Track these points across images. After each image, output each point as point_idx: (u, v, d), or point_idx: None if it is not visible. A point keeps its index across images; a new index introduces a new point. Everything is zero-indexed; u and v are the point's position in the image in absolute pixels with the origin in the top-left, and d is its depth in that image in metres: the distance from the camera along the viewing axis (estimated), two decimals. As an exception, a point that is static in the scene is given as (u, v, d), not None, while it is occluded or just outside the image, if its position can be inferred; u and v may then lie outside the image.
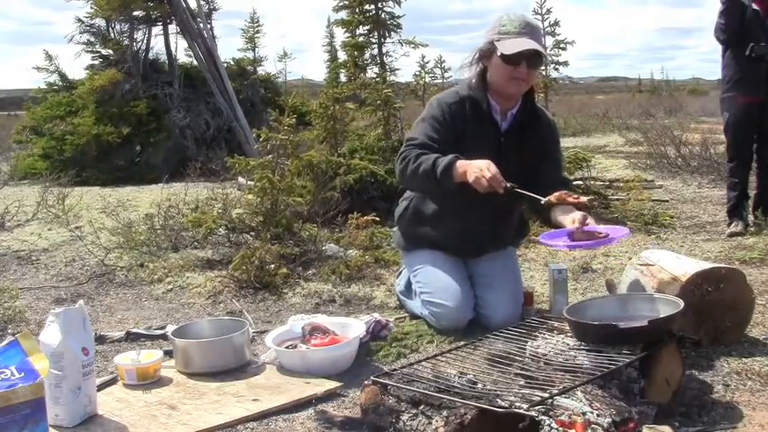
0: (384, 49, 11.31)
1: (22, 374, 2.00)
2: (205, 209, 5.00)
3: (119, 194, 7.92)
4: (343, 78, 15.63)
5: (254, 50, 24.29)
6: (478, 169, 2.67)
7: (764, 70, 4.53)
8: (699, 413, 2.15)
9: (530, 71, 2.88)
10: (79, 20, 11.68)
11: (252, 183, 4.61)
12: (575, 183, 5.73)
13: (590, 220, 2.62)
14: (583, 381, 1.94)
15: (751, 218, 4.85)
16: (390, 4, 10.77)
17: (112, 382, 2.54)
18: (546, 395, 1.84)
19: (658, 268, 2.80)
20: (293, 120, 4.58)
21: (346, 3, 11.01)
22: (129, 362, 2.53)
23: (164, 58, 12.01)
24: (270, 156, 4.44)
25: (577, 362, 2.12)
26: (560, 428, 1.71)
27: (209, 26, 12.20)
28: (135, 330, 3.12)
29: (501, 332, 2.44)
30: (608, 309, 2.38)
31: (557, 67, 15.55)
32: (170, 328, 2.93)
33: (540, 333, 2.40)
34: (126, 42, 11.66)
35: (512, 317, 2.91)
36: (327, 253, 4.29)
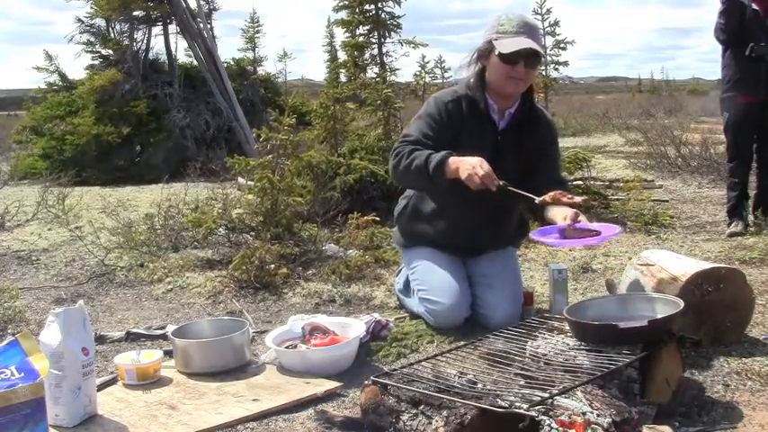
0: (384, 49, 11.31)
1: (22, 374, 2.00)
2: (205, 209, 5.00)
3: (119, 194, 7.92)
4: (343, 78, 15.63)
5: (254, 50, 24.33)
6: (471, 166, 2.68)
7: (764, 70, 4.53)
8: (699, 413, 2.14)
9: (528, 70, 2.88)
10: (79, 20, 11.70)
11: (252, 183, 4.61)
12: (574, 183, 5.73)
13: (582, 218, 2.64)
14: (583, 381, 1.94)
15: (751, 218, 4.85)
16: (390, 4, 10.77)
17: (112, 382, 2.54)
18: (546, 395, 1.84)
19: (658, 268, 2.80)
20: (293, 120, 4.58)
21: (346, 3, 11.01)
22: (129, 362, 2.53)
23: (164, 58, 12.03)
24: (270, 156, 4.44)
25: (577, 362, 2.12)
26: (560, 428, 1.71)
27: (209, 26, 12.21)
28: (135, 330, 3.12)
29: (501, 332, 2.44)
30: (608, 309, 2.38)
31: (557, 67, 15.58)
32: (170, 328, 2.93)
33: (540, 333, 2.40)
34: (126, 42, 11.66)
35: (511, 317, 2.91)
36: (327, 253, 4.29)
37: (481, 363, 2.25)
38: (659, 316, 2.22)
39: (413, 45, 11.02)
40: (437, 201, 3.07)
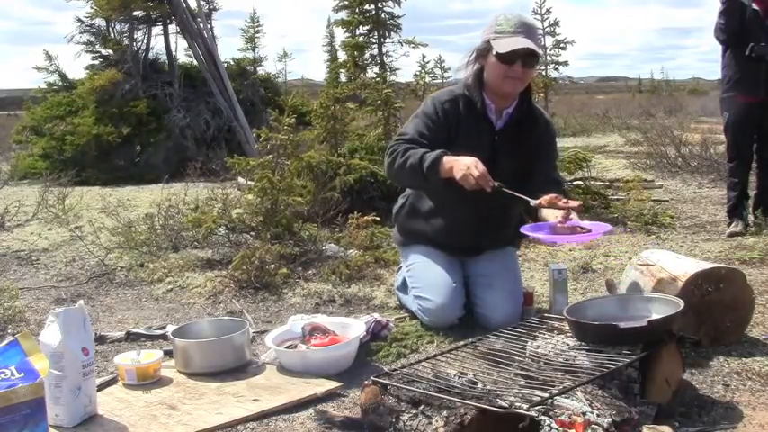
0: (384, 49, 11.32)
1: (22, 374, 2.00)
2: (205, 209, 5.00)
3: (119, 194, 7.92)
4: (343, 78, 15.64)
5: (254, 50, 24.34)
6: (465, 167, 2.68)
7: (764, 70, 4.53)
8: (699, 413, 2.15)
9: (525, 70, 2.88)
10: (79, 20, 11.71)
11: (252, 183, 4.61)
12: (575, 183, 5.73)
13: (573, 215, 2.65)
14: (583, 381, 1.94)
15: (751, 218, 4.85)
16: (390, 4, 10.79)
17: (112, 382, 2.54)
18: (546, 395, 1.84)
19: (658, 268, 2.80)
20: (293, 120, 4.58)
21: (346, 3, 11.02)
22: (129, 362, 2.53)
23: (164, 58, 12.03)
24: (270, 156, 4.44)
25: (577, 362, 2.12)
26: (560, 428, 1.71)
27: (209, 26, 12.21)
28: (135, 330, 3.12)
29: (501, 332, 2.44)
30: (608, 309, 2.38)
31: (556, 67, 15.59)
32: (170, 328, 2.93)
33: (540, 333, 2.40)
34: (126, 42, 11.66)
35: (511, 317, 2.91)
36: (327, 253, 4.29)
37: (481, 363, 2.25)
38: (659, 316, 2.22)
39: (413, 45, 11.03)
40: (434, 199, 3.08)
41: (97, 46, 11.89)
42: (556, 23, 16.47)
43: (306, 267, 4.08)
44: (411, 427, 1.91)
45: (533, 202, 2.70)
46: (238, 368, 2.60)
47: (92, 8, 11.58)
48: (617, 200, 5.86)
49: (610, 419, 1.79)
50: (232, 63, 13.42)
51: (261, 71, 16.54)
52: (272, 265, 3.88)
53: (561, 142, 11.28)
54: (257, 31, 24.94)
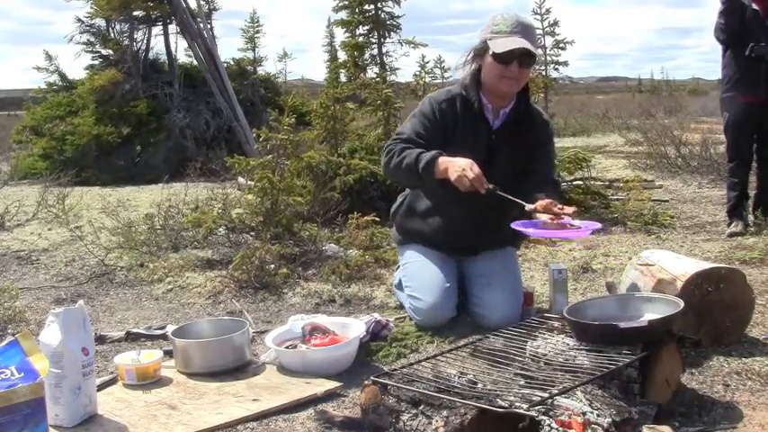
0: (384, 49, 11.32)
1: (22, 374, 2.00)
2: (205, 209, 5.00)
3: (119, 194, 7.92)
4: (343, 78, 15.64)
5: (254, 50, 24.33)
6: (461, 168, 2.69)
7: (764, 70, 4.53)
8: (699, 413, 2.15)
9: (521, 70, 2.89)
10: (79, 20, 11.70)
11: (252, 183, 4.61)
12: (574, 183, 5.73)
13: (559, 205, 2.68)
14: (583, 381, 1.94)
15: (751, 218, 4.85)
16: (390, 4, 10.79)
17: (112, 382, 2.54)
18: (546, 395, 1.84)
19: (658, 268, 2.80)
20: (293, 120, 4.58)
21: (346, 3, 11.02)
22: (129, 362, 2.53)
23: (164, 58, 12.03)
24: (270, 156, 4.44)
25: (577, 362, 2.12)
26: (560, 428, 1.71)
27: (209, 26, 12.21)
28: (135, 330, 3.12)
29: (501, 332, 2.45)
30: (608, 309, 2.38)
31: (556, 67, 15.58)
32: (170, 328, 2.93)
33: (540, 333, 2.40)
34: (126, 42, 11.66)
35: (510, 317, 2.91)
36: (327, 253, 4.29)
37: (481, 363, 2.25)
38: (659, 316, 2.22)
39: (412, 45, 11.03)
40: (432, 199, 3.08)
41: (97, 46, 11.90)
42: (555, 23, 16.46)
43: (306, 267, 4.08)
44: (411, 427, 1.91)
45: (528, 207, 2.71)
46: (238, 368, 2.60)
47: (92, 8, 11.58)
48: (617, 200, 5.86)
49: (610, 419, 1.79)
50: (232, 63, 13.42)
51: (261, 71, 16.53)
52: (272, 265, 3.88)
53: (561, 142, 11.31)
54: (257, 31, 24.95)
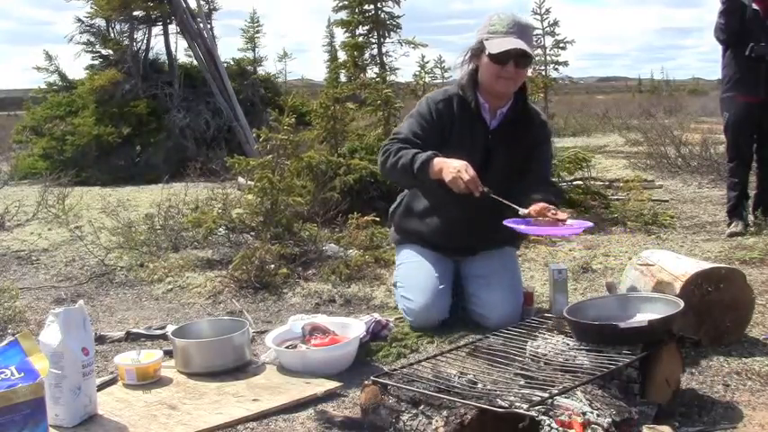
0: (384, 49, 11.32)
1: (22, 374, 2.00)
2: (205, 209, 5.00)
3: (119, 194, 7.92)
4: (343, 78, 15.64)
5: (254, 50, 24.31)
6: (455, 170, 2.70)
7: (764, 70, 4.53)
8: (699, 413, 2.15)
9: (518, 70, 2.89)
10: (79, 20, 11.70)
11: (252, 183, 4.61)
12: (575, 183, 5.73)
13: (554, 210, 2.69)
14: (583, 381, 1.94)
15: (751, 218, 4.85)
16: (390, 4, 10.79)
17: (112, 382, 2.54)
18: (546, 395, 1.84)
19: (658, 268, 2.80)
20: (293, 120, 4.58)
21: (346, 3, 11.02)
22: (129, 362, 2.53)
23: (164, 58, 12.03)
24: (270, 156, 4.44)
25: (577, 362, 2.12)
26: (560, 428, 1.71)
27: (209, 26, 12.21)
28: (135, 330, 3.12)
29: (501, 332, 2.45)
30: (608, 309, 2.38)
31: (556, 67, 15.57)
32: (170, 328, 2.93)
33: (540, 333, 2.40)
34: (126, 42, 11.66)
35: (510, 316, 2.90)
36: (327, 253, 4.29)
37: (481, 363, 2.25)
38: (659, 316, 2.22)
39: (412, 45, 11.03)
40: (430, 199, 3.09)
41: (97, 46, 11.90)
42: (555, 23, 16.45)
43: (306, 267, 4.08)
44: (411, 427, 1.91)
45: (522, 211, 2.72)
46: (238, 368, 2.60)
47: (92, 8, 11.58)
48: (617, 200, 5.86)
49: (610, 419, 1.79)
50: (232, 63, 13.42)
51: (261, 71, 16.52)
52: (272, 265, 3.88)
53: (561, 142, 11.32)
54: (257, 31, 24.93)
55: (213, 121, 11.12)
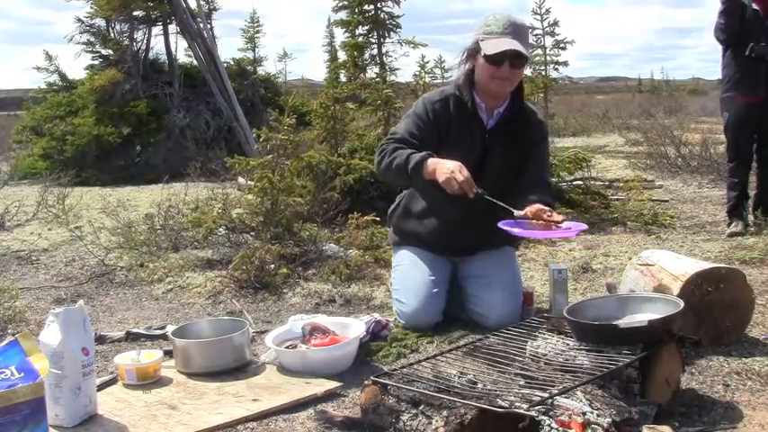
0: (384, 49, 11.31)
1: (22, 374, 2.00)
2: (205, 209, 5.00)
3: (119, 194, 7.92)
4: (343, 78, 15.62)
5: (254, 50, 24.27)
6: (449, 170, 2.70)
7: (764, 70, 4.53)
8: (699, 413, 2.15)
9: (513, 71, 2.89)
10: (79, 20, 11.70)
11: (252, 183, 4.61)
12: (575, 183, 5.73)
13: (549, 212, 2.70)
14: (583, 381, 1.94)
15: (751, 218, 4.85)
16: (389, 3, 10.77)
17: (112, 382, 2.54)
18: (546, 395, 1.84)
19: (658, 268, 2.80)
20: (293, 120, 4.58)
21: (346, 3, 11.00)
22: (129, 362, 2.53)
23: (164, 58, 12.03)
24: (270, 156, 4.44)
25: (577, 362, 2.12)
26: (560, 428, 1.71)
27: (209, 26, 12.21)
28: (135, 330, 3.12)
29: (501, 332, 2.45)
30: (608, 309, 2.38)
31: (556, 67, 15.54)
32: (170, 328, 2.93)
33: (540, 333, 2.40)
34: (126, 42, 11.66)
35: (509, 316, 2.91)
36: (327, 253, 4.29)
37: (481, 363, 2.25)
38: (659, 316, 2.22)
39: (412, 45, 11.02)
40: (427, 200, 3.09)
41: (97, 46, 11.90)
42: (555, 23, 16.41)
43: (306, 267, 4.08)
44: (411, 427, 1.91)
45: (517, 213, 2.73)
46: (238, 368, 2.60)
47: (92, 8, 11.58)
48: (617, 200, 5.86)
49: (610, 419, 1.79)
50: (232, 63, 13.42)
51: (261, 71, 16.51)
52: (272, 265, 3.88)
53: (561, 142, 11.32)
54: (257, 31, 24.89)
55: (213, 121, 11.12)
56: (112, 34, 11.88)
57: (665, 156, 8.48)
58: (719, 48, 4.77)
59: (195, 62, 11.73)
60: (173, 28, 11.72)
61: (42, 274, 4.43)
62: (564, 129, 14.57)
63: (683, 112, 16.69)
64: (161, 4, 11.30)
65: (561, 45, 15.83)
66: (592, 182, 6.05)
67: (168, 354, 2.69)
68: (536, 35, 13.60)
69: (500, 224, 2.73)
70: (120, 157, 10.31)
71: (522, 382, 2.03)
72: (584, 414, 1.77)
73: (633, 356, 2.07)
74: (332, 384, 2.43)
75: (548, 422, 1.72)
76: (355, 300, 3.56)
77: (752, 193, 4.94)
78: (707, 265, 2.79)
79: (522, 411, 1.75)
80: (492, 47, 2.84)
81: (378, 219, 4.56)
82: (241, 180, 6.13)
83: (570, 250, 4.40)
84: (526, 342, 2.32)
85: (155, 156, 10.38)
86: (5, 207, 6.16)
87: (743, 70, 4.61)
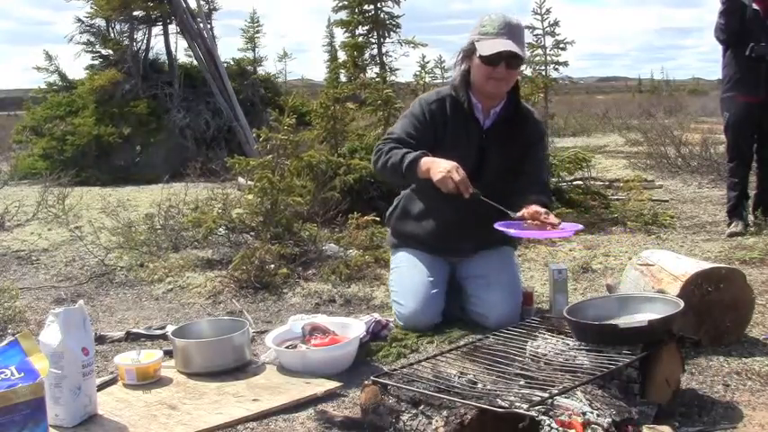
0: (384, 49, 11.32)
1: (22, 374, 2.00)
2: (205, 209, 4.99)
3: (119, 194, 7.92)
4: (343, 78, 15.62)
5: (254, 50, 24.25)
6: (445, 170, 2.71)
7: (764, 70, 4.53)
8: (699, 413, 2.15)
9: (509, 71, 2.90)
10: (79, 20, 11.69)
11: (252, 183, 4.61)
12: (574, 183, 5.73)
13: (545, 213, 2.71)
14: (583, 381, 1.94)
15: (751, 218, 4.85)
16: (389, 4, 10.79)
17: (112, 382, 2.54)
18: (546, 395, 1.84)
19: (658, 268, 2.80)
20: (293, 120, 4.58)
21: (346, 3, 11.02)
22: (129, 362, 2.53)
23: (164, 58, 12.02)
24: (270, 156, 4.44)
25: (577, 362, 2.12)
26: (560, 428, 1.71)
27: (209, 26, 12.20)
28: (135, 330, 3.12)
29: (501, 332, 2.45)
30: (608, 309, 2.38)
31: (556, 67, 15.53)
32: (170, 328, 2.93)
33: (540, 333, 2.40)
34: (126, 42, 11.66)
35: (509, 316, 2.91)
36: (327, 253, 4.29)
37: (481, 363, 2.25)
38: (659, 316, 2.22)
39: (412, 45, 11.03)
40: (425, 201, 3.09)
41: (97, 46, 11.89)
42: (556, 23, 16.41)
43: (306, 267, 4.08)
44: (411, 427, 1.91)
45: (513, 215, 2.73)
46: (238, 368, 2.60)
47: (92, 8, 11.57)
48: (617, 200, 5.86)
49: (610, 419, 1.79)
50: (232, 63, 13.41)
51: (261, 71, 16.49)
52: (272, 265, 3.88)
53: (561, 142, 11.32)
54: (257, 31, 24.86)
55: (213, 121, 11.11)
56: (112, 34, 11.88)
57: (665, 156, 8.48)
58: (719, 48, 4.77)
59: (195, 62, 11.72)
60: (173, 28, 11.72)
61: (42, 274, 4.43)
62: (564, 129, 14.57)
63: (683, 112, 16.69)
64: (161, 4, 11.30)
65: (561, 45, 15.81)
66: (592, 182, 6.05)
67: (168, 354, 2.69)
68: (536, 35, 13.59)
69: (496, 225, 2.74)
70: (120, 157, 10.31)
71: (522, 382, 2.03)
72: (584, 414, 1.77)
73: (633, 356, 2.07)
74: (332, 384, 2.44)
75: (548, 422, 1.72)
76: (355, 300, 3.56)
77: (752, 193, 4.94)
78: (707, 265, 2.79)
79: (522, 411, 1.75)
80: (487, 48, 2.84)
81: (378, 219, 4.55)
82: (241, 180, 6.13)
83: (570, 250, 4.40)
84: (526, 342, 2.32)
85: (155, 156, 10.38)
86: (5, 207, 6.15)
87: (743, 70, 4.61)
